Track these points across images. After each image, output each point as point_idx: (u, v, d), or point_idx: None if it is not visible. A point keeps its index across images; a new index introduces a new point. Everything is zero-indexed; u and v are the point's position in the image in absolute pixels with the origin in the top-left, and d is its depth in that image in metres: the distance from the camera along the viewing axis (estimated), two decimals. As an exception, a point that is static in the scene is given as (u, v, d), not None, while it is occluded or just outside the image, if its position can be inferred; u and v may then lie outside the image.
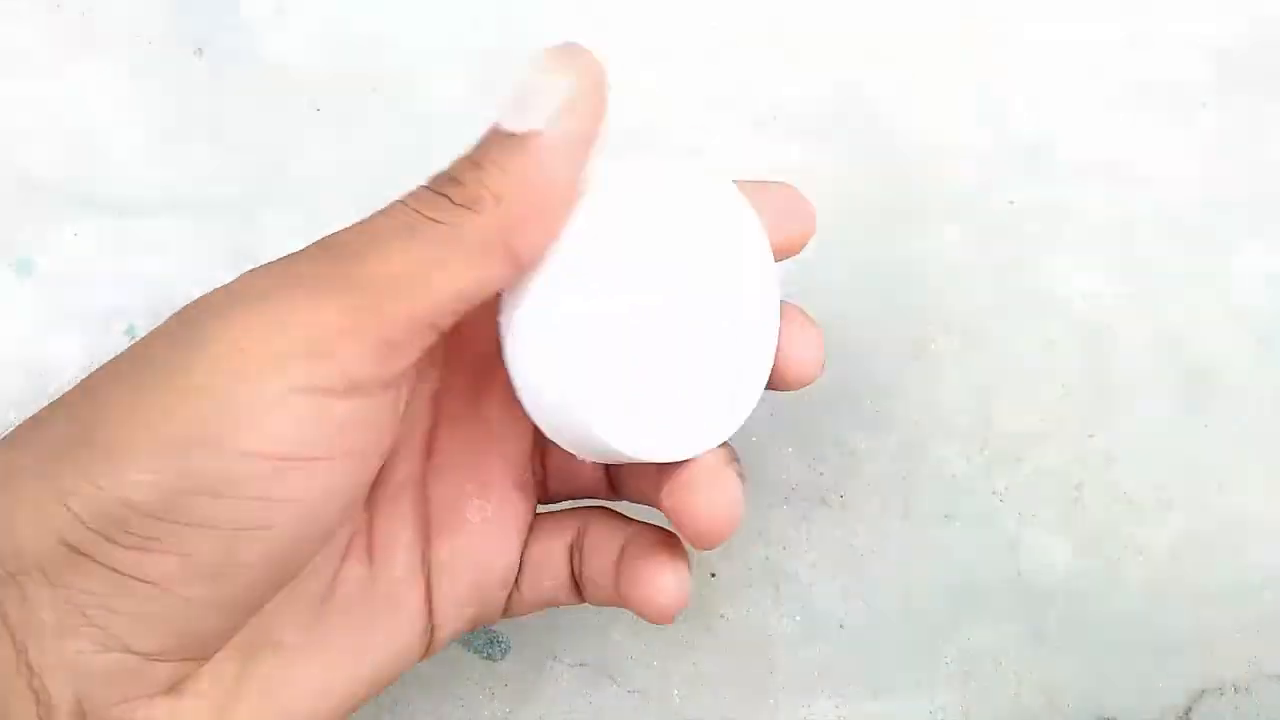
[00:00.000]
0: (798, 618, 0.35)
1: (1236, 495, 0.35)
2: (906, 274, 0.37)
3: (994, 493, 0.35)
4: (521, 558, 0.28)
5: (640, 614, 0.27)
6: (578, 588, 0.29)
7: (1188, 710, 0.34)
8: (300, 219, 0.37)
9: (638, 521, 0.29)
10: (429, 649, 0.27)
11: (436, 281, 0.22)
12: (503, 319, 0.24)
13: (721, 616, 0.35)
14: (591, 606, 0.30)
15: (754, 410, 0.27)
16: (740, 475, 0.26)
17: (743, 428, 0.27)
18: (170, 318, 0.23)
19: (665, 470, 0.26)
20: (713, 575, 0.36)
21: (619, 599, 0.28)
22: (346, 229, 0.23)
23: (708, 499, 0.25)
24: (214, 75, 0.38)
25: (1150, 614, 0.35)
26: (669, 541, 0.28)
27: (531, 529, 0.28)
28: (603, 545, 0.28)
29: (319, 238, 0.24)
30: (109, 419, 0.20)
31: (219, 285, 0.24)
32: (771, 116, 0.38)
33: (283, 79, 0.38)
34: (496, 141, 0.22)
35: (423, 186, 0.23)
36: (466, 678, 0.36)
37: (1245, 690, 0.34)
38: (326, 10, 0.38)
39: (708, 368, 0.25)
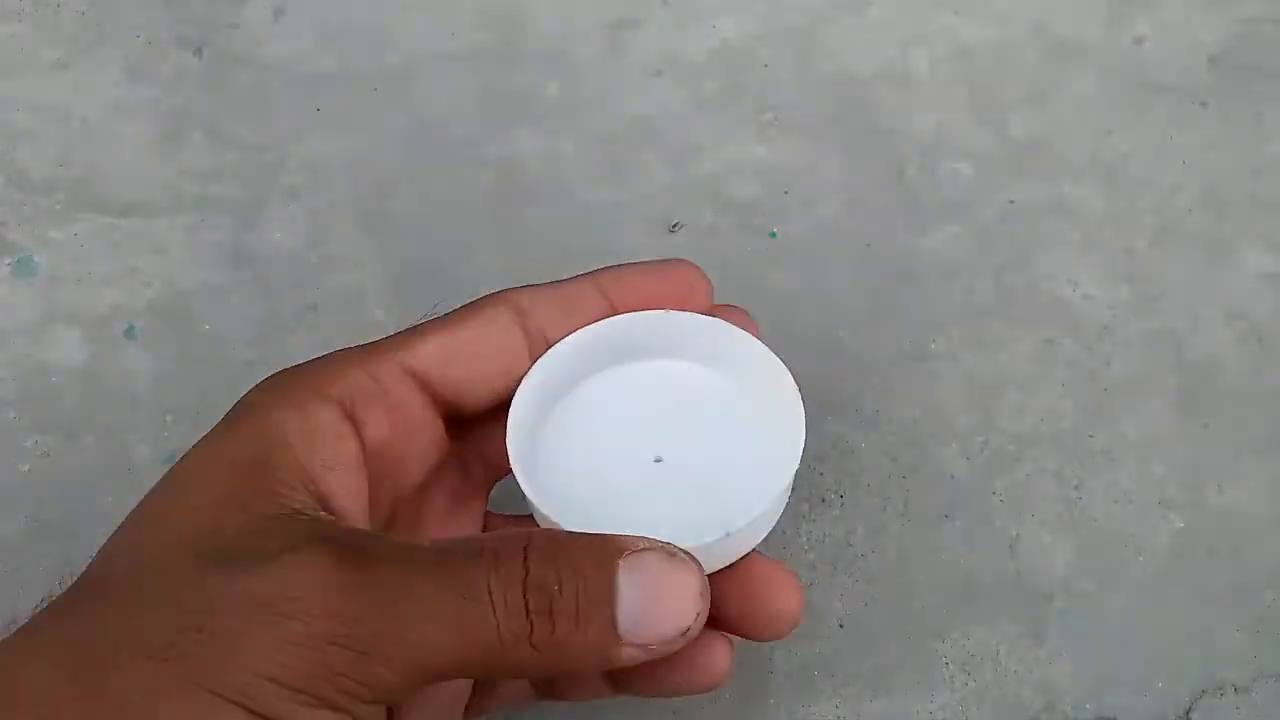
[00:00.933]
0: (798, 618, 0.35)
1: (1236, 495, 0.35)
2: (906, 274, 0.37)
3: (994, 493, 0.35)
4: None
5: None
6: (535, 692, 0.29)
7: (1188, 710, 0.34)
8: (300, 219, 0.37)
9: None
10: None
11: (457, 680, 0.23)
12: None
13: (721, 616, 0.35)
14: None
15: None
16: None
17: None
18: (189, 581, 0.22)
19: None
20: (713, 575, 0.36)
21: (628, 687, 0.28)
22: (418, 580, 0.22)
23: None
24: (214, 75, 0.38)
25: (1150, 614, 0.35)
26: None
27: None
28: None
29: (384, 561, 0.22)
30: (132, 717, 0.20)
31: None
32: (772, 117, 0.38)
33: (283, 79, 0.38)
34: (602, 620, 0.22)
35: (522, 588, 0.22)
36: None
37: (1245, 690, 0.34)
38: (326, 10, 0.38)
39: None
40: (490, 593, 0.21)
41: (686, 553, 0.24)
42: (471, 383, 0.27)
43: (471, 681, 0.28)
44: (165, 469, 0.35)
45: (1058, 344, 0.36)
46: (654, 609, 0.23)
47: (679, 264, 0.29)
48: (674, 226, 0.37)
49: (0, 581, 0.35)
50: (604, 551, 0.23)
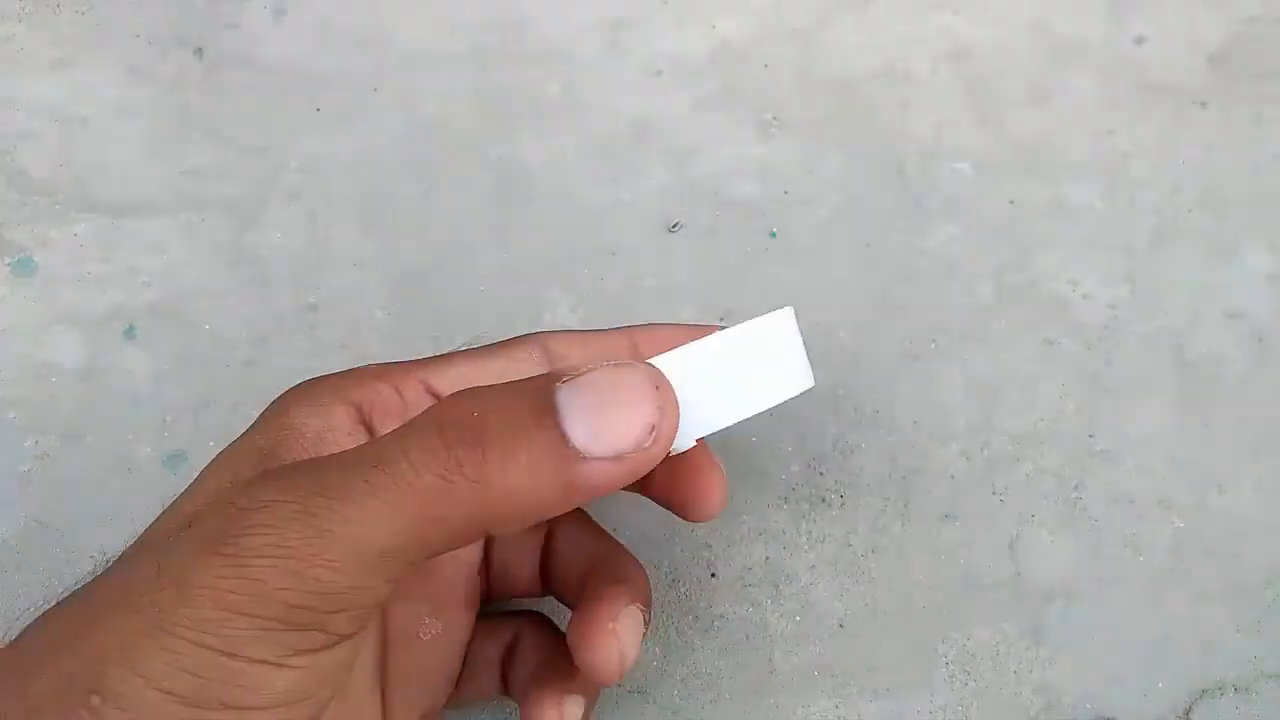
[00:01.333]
0: (797, 618, 0.35)
1: (1236, 495, 0.35)
2: (906, 274, 0.37)
3: (994, 493, 0.35)
4: (464, 662, 0.30)
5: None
6: (505, 688, 0.30)
7: (1188, 710, 0.34)
8: (300, 219, 0.37)
9: (562, 641, 0.29)
10: None
11: (417, 556, 0.21)
12: None
13: (721, 616, 0.35)
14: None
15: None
16: (635, 619, 0.27)
17: (744, 428, 0.27)
18: (164, 545, 0.22)
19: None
20: (713, 575, 0.36)
21: (525, 709, 0.28)
22: (332, 466, 0.22)
23: (593, 652, 0.27)
24: (214, 75, 0.38)
25: (1150, 614, 0.35)
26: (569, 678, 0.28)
27: (473, 635, 0.30)
28: (529, 657, 0.30)
29: (301, 470, 0.22)
30: (109, 670, 0.20)
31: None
32: (771, 116, 0.38)
33: (283, 79, 0.38)
34: (547, 439, 0.21)
35: (435, 428, 0.21)
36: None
37: (1245, 690, 0.34)
38: (326, 10, 0.38)
39: None
40: (404, 451, 0.21)
41: (637, 361, 0.23)
42: None
43: (459, 667, 0.29)
44: (165, 469, 0.35)
45: (1058, 344, 0.36)
46: (604, 416, 0.21)
47: (714, 329, 0.29)
48: (674, 226, 0.37)
49: (0, 581, 0.35)
50: (537, 381, 0.22)
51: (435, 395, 0.27)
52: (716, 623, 0.35)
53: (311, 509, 0.20)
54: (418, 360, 0.27)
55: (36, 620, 0.22)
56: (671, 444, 0.23)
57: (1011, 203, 0.37)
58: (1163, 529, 0.35)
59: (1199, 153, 0.37)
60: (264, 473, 0.23)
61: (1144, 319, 0.36)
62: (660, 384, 0.22)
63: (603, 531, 0.31)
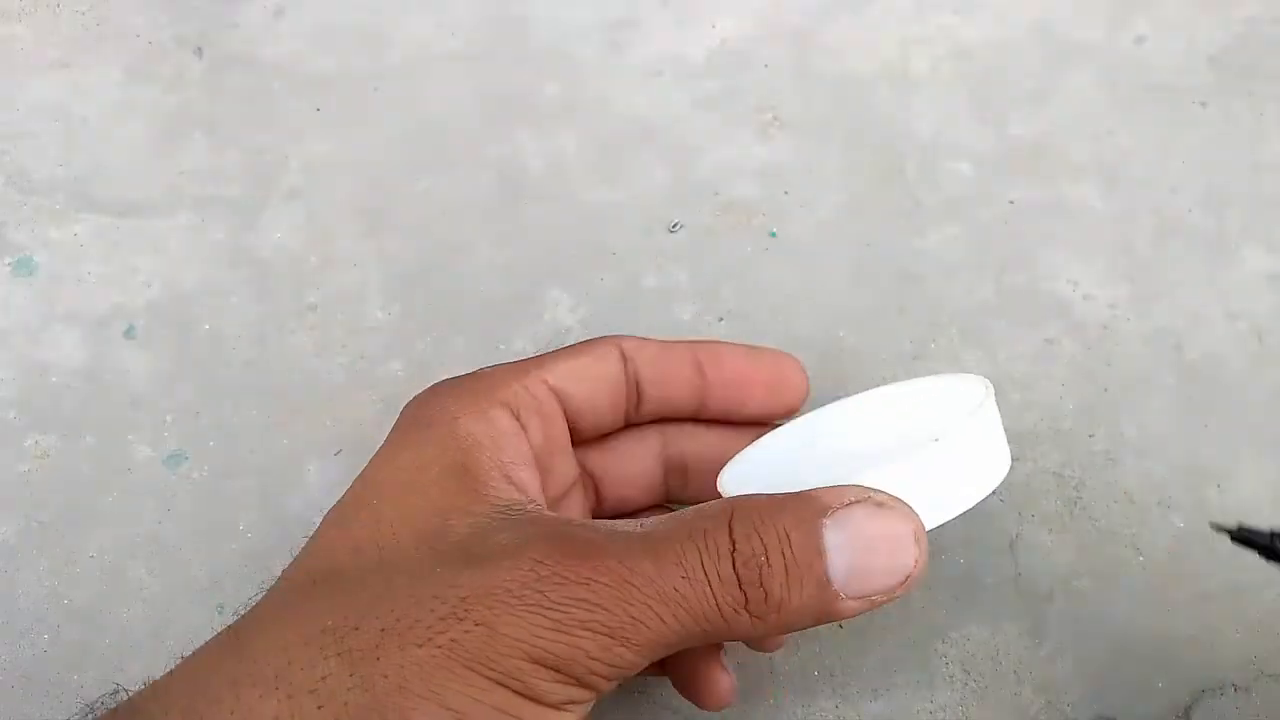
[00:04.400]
0: (798, 618, 0.35)
1: (1236, 495, 0.35)
2: (906, 274, 0.37)
3: (994, 492, 0.35)
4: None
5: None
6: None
7: (1188, 710, 0.34)
8: (300, 219, 0.37)
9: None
10: None
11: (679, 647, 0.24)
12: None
13: (721, 616, 0.35)
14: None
15: None
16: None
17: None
18: (443, 578, 0.24)
19: None
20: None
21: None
22: (644, 568, 0.24)
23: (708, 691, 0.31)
24: (214, 75, 0.38)
25: (1150, 614, 0.35)
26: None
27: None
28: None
29: (610, 552, 0.24)
30: (416, 699, 0.22)
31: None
32: (772, 116, 0.38)
33: (283, 79, 0.38)
34: (817, 580, 0.24)
35: (732, 563, 0.24)
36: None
37: (1245, 690, 0.34)
38: (326, 10, 0.38)
39: None
40: (704, 571, 0.23)
41: (898, 500, 0.24)
42: (593, 403, 0.30)
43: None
44: (165, 469, 0.35)
45: (1058, 344, 0.36)
46: (866, 561, 0.23)
47: (779, 356, 0.30)
48: (674, 226, 0.37)
49: (0, 581, 0.35)
50: (807, 511, 0.24)
51: (554, 391, 0.29)
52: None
53: (628, 598, 0.23)
54: (525, 360, 0.29)
55: (270, 653, 0.23)
56: (921, 572, 0.24)
57: (1011, 203, 0.37)
58: (1163, 529, 0.35)
59: (1199, 153, 0.37)
60: (543, 537, 0.24)
61: (1144, 319, 0.36)
62: (920, 537, 0.24)
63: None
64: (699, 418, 0.31)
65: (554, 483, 0.29)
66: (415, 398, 0.28)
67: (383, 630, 0.23)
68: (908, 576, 0.24)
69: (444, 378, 0.29)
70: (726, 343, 0.31)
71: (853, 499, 0.24)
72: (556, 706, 0.23)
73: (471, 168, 0.37)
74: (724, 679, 0.30)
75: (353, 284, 0.37)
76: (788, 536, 0.23)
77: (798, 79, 0.38)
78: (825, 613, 0.24)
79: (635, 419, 0.31)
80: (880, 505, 0.24)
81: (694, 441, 0.32)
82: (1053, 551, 0.35)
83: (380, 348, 0.36)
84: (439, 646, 0.23)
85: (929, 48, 0.38)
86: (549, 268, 0.37)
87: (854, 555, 0.23)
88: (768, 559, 0.23)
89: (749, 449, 0.29)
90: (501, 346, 0.36)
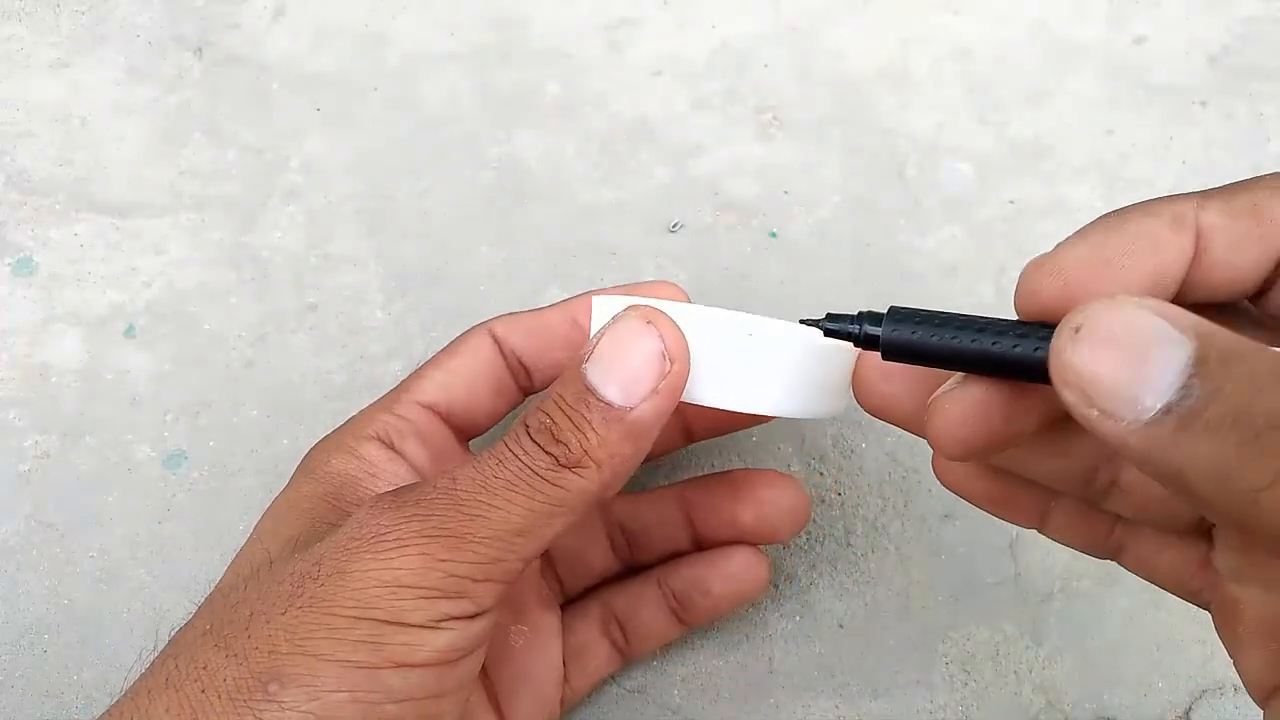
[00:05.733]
0: (797, 617, 0.35)
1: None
2: (906, 274, 0.37)
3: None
4: (564, 658, 0.33)
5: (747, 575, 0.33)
6: (620, 653, 0.33)
7: (1188, 710, 0.34)
8: (300, 219, 0.37)
9: (654, 569, 0.33)
10: None
11: (546, 534, 0.26)
12: None
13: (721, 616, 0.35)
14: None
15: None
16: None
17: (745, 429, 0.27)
18: (267, 545, 0.28)
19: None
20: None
21: (672, 636, 0.33)
22: (466, 473, 0.26)
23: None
24: (214, 75, 0.38)
25: (1150, 614, 0.35)
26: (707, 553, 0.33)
27: (563, 629, 0.33)
28: (637, 603, 0.33)
29: (436, 482, 0.26)
30: (283, 659, 0.24)
31: (349, 523, 0.26)
32: (771, 117, 0.38)
33: (283, 79, 0.38)
34: (598, 410, 0.25)
35: (528, 436, 0.26)
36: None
37: (1245, 690, 0.34)
38: (326, 10, 0.38)
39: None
40: (511, 452, 0.26)
41: (627, 308, 0.26)
42: (475, 399, 0.31)
43: (560, 663, 0.32)
44: (165, 469, 0.35)
45: (1058, 344, 0.36)
46: (624, 370, 0.25)
47: (655, 285, 0.31)
48: (674, 226, 0.37)
49: (0, 581, 0.35)
50: (570, 368, 0.26)
51: (429, 407, 0.31)
52: (716, 623, 0.35)
53: (458, 501, 0.25)
54: (397, 386, 0.31)
55: (163, 665, 0.25)
56: (688, 357, 0.26)
57: (1011, 203, 0.37)
58: (1163, 529, 0.35)
59: (1199, 153, 0.37)
60: (378, 497, 0.26)
61: (1144, 319, 0.36)
62: (651, 316, 0.26)
63: (658, 488, 0.34)
64: None
65: None
66: (308, 451, 0.31)
67: (251, 614, 0.25)
68: (662, 354, 0.25)
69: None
70: (598, 291, 0.32)
71: (597, 338, 0.26)
72: (429, 625, 0.25)
73: (471, 168, 0.37)
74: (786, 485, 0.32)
75: (353, 284, 0.37)
76: (560, 395, 0.26)
77: (798, 79, 0.38)
78: (634, 431, 0.25)
79: (534, 390, 0.32)
80: (613, 323, 0.26)
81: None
82: (1053, 551, 0.35)
83: (380, 348, 0.36)
84: (300, 607, 0.24)
85: (929, 48, 0.38)
86: (549, 268, 0.37)
87: (613, 373, 0.25)
88: (552, 419, 0.26)
89: None
90: (501, 346, 0.36)
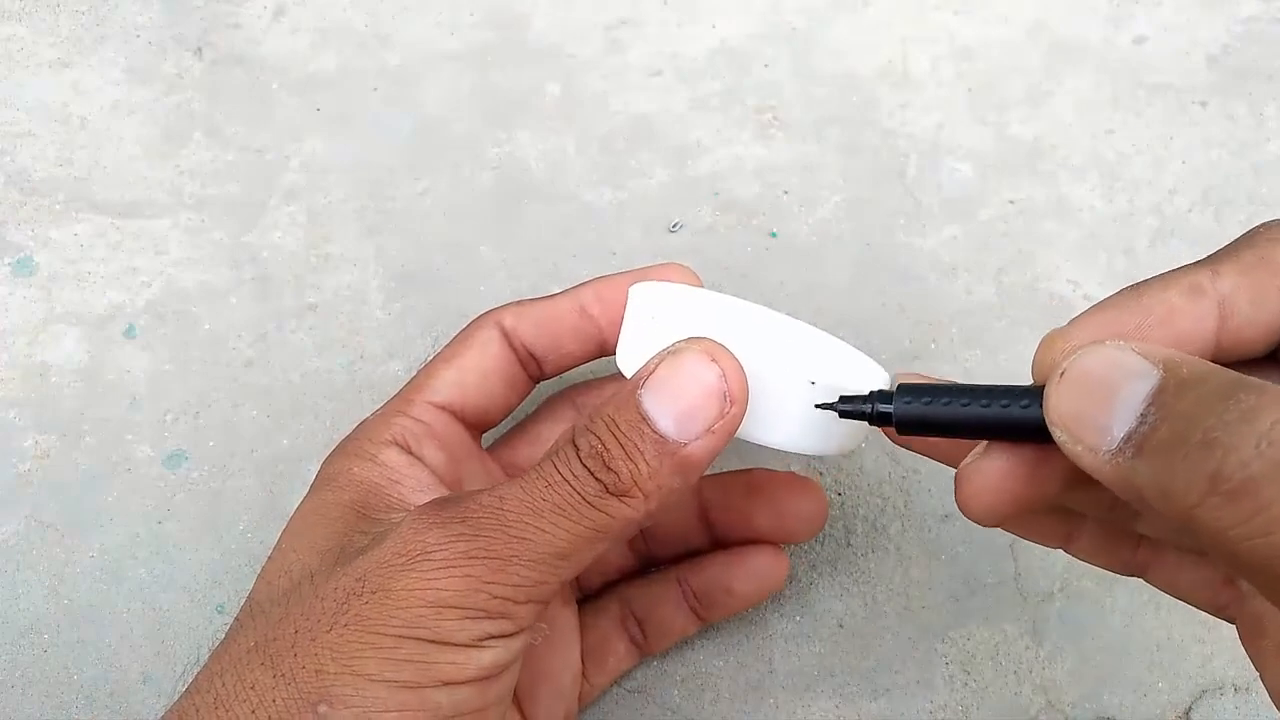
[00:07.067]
0: (797, 617, 0.35)
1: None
2: (906, 274, 0.37)
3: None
4: (582, 655, 0.33)
5: (753, 585, 0.33)
6: (637, 648, 0.34)
7: (1188, 710, 0.34)
8: (300, 219, 0.37)
9: (674, 567, 0.33)
10: None
11: (586, 557, 0.26)
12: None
13: (721, 616, 0.35)
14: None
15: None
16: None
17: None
18: (342, 571, 0.26)
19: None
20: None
21: (692, 630, 0.33)
22: (514, 494, 0.26)
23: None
24: (214, 75, 0.38)
25: (1150, 614, 0.35)
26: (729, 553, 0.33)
27: (581, 626, 0.33)
28: (657, 600, 0.33)
29: (482, 499, 0.26)
30: (331, 679, 0.24)
31: (394, 538, 0.26)
32: (771, 117, 0.38)
33: (283, 79, 0.38)
34: (652, 442, 0.25)
35: (579, 460, 0.26)
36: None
37: (1245, 690, 0.34)
38: (326, 10, 0.38)
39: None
40: (561, 475, 0.25)
41: (688, 340, 0.25)
42: (488, 394, 0.31)
43: (578, 659, 0.33)
44: (165, 469, 0.35)
45: (1058, 344, 0.36)
46: (683, 404, 0.25)
47: (667, 268, 0.31)
48: (674, 226, 0.37)
49: (0, 581, 0.35)
50: (624, 392, 0.26)
51: (442, 408, 0.30)
52: (717, 623, 0.35)
53: (505, 523, 0.25)
54: (407, 387, 0.31)
55: (210, 684, 0.25)
56: (747, 395, 0.25)
57: (1011, 203, 0.37)
58: (1163, 529, 0.35)
59: (1199, 153, 0.37)
60: (420, 510, 0.26)
61: (1144, 319, 0.36)
62: (715, 353, 0.25)
63: None
64: (604, 355, 0.32)
65: (475, 487, 0.31)
66: (325, 458, 0.30)
67: (296, 631, 0.25)
68: (724, 394, 0.25)
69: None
70: (605, 277, 0.31)
71: (655, 363, 0.25)
72: (473, 644, 0.25)
73: (471, 168, 0.37)
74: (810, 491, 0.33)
75: (353, 284, 0.37)
76: (614, 420, 0.25)
77: (798, 79, 0.38)
78: (683, 465, 0.25)
79: (544, 378, 0.32)
80: (674, 353, 0.25)
81: (602, 398, 0.32)
82: (1052, 551, 0.35)
83: (380, 348, 0.36)
84: (345, 625, 0.24)
85: (929, 48, 0.38)
86: (549, 268, 0.37)
87: (672, 404, 0.25)
88: (604, 445, 0.25)
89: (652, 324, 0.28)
90: (501, 346, 0.36)
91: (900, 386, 0.24)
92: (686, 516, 0.33)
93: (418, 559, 0.25)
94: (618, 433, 0.25)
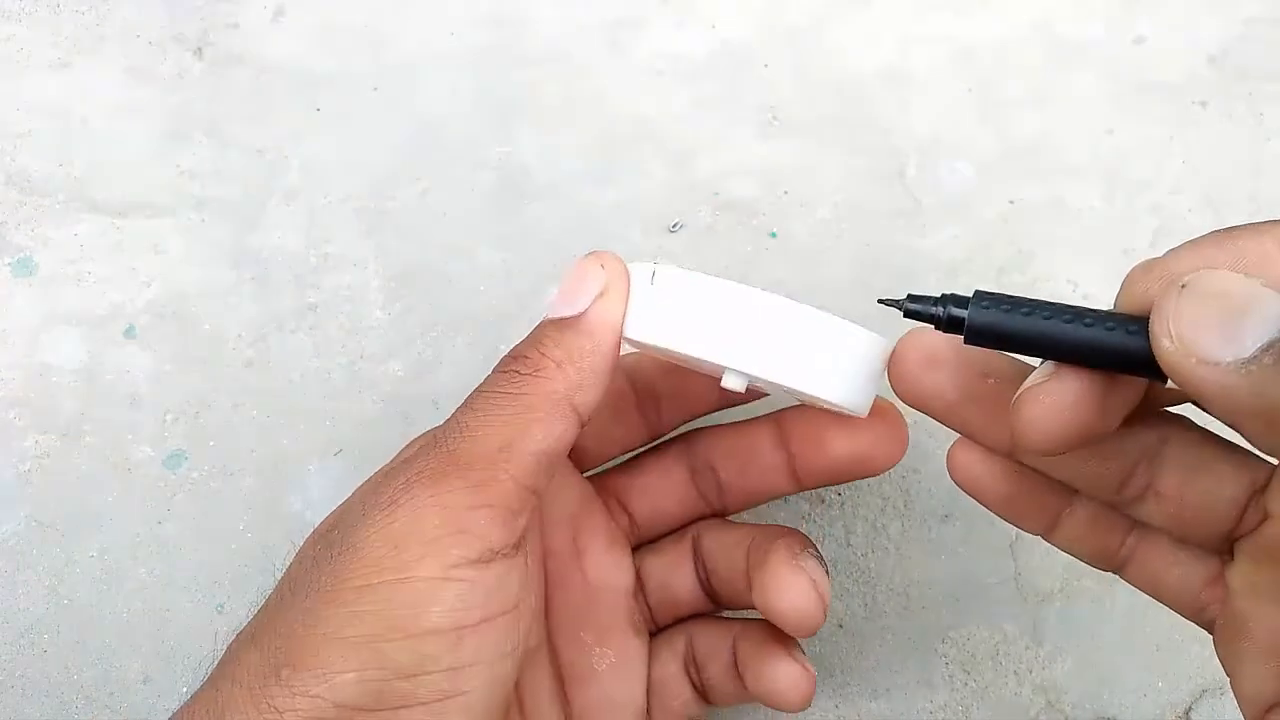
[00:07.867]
0: (798, 618, 0.35)
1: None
2: (906, 274, 0.37)
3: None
4: (647, 687, 0.31)
5: (777, 708, 0.30)
6: (704, 697, 0.31)
7: (1188, 710, 0.34)
8: (300, 219, 0.37)
9: (740, 620, 0.31)
10: None
11: (527, 445, 0.25)
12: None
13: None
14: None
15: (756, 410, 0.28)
16: (817, 558, 0.29)
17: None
18: (306, 544, 0.27)
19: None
20: (713, 575, 0.36)
21: (749, 698, 0.30)
22: (447, 425, 0.26)
23: (787, 592, 0.28)
24: (214, 75, 0.38)
25: (1150, 614, 0.35)
26: (776, 633, 0.30)
27: (650, 658, 0.32)
28: (715, 652, 0.31)
29: (426, 436, 0.27)
30: (296, 642, 0.24)
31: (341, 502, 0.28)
32: (771, 116, 0.38)
33: (283, 79, 0.38)
34: (549, 325, 0.27)
35: (497, 370, 0.27)
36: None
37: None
38: (326, 10, 0.38)
39: None
40: (482, 391, 0.26)
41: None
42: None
43: (644, 694, 0.31)
44: (165, 469, 0.35)
45: (1058, 344, 0.36)
46: (564, 288, 0.27)
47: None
48: (674, 226, 0.37)
49: (0, 581, 0.35)
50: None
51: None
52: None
53: (440, 442, 0.26)
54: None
55: (213, 669, 0.26)
56: (623, 264, 0.27)
57: (1011, 203, 0.37)
58: (1163, 529, 0.35)
59: (1199, 153, 0.37)
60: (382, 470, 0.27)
61: (1144, 319, 0.36)
62: (596, 252, 0.27)
63: (746, 524, 0.32)
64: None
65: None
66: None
67: (279, 601, 0.26)
68: (600, 264, 0.27)
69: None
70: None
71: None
72: (439, 577, 0.24)
73: (471, 168, 0.37)
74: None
75: (353, 284, 0.37)
76: (549, 324, 0.27)
77: (798, 79, 0.38)
78: (585, 330, 0.26)
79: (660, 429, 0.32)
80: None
81: (717, 443, 0.32)
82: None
83: (380, 348, 0.36)
84: (318, 590, 0.25)
85: (929, 48, 0.38)
86: (549, 268, 0.37)
87: (559, 297, 0.27)
88: (514, 350, 0.27)
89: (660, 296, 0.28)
90: (502, 346, 0.36)
91: (977, 292, 0.23)
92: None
93: (372, 508, 0.25)
94: (528, 338, 0.27)
